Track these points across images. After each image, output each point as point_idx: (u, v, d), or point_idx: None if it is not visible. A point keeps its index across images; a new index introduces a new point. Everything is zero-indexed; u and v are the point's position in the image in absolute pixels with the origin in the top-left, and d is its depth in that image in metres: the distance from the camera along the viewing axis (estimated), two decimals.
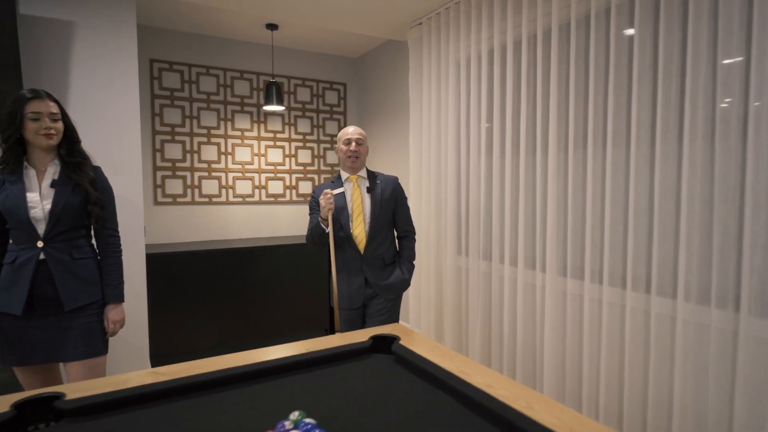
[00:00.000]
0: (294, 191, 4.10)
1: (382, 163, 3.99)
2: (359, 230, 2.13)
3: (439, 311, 3.08)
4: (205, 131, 3.71)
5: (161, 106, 3.54)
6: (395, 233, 2.33)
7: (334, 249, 2.18)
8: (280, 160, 4.03)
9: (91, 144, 2.62)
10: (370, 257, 2.14)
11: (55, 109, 1.56)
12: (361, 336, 1.45)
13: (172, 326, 3.19)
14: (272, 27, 3.48)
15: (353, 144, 2.14)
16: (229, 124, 3.81)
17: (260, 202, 3.96)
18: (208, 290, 3.28)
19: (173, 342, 3.20)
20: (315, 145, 4.19)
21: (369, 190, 2.18)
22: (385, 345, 1.40)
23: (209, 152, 3.74)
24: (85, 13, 2.56)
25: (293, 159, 4.09)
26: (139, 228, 2.74)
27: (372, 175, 2.23)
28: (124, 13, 2.65)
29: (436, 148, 3.00)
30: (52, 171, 1.56)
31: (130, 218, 2.72)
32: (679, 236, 1.69)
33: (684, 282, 1.67)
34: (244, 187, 3.89)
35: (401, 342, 1.38)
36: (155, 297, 3.13)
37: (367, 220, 2.15)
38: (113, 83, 2.65)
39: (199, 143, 3.70)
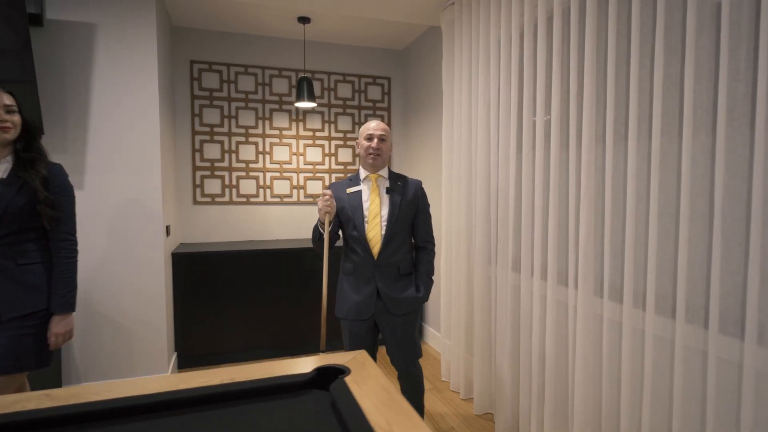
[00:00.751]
0: None
1: (424, 164, 3.71)
2: (374, 233, 1.94)
3: (469, 324, 2.75)
4: (243, 131, 3.70)
5: (201, 106, 3.58)
6: (412, 242, 2.09)
7: (345, 252, 2.03)
8: (319, 159, 3.92)
9: (111, 144, 2.66)
10: (384, 264, 1.95)
11: (9, 100, 1.50)
12: (331, 360, 1.23)
13: (203, 328, 3.19)
14: (304, 20, 3.36)
15: (375, 140, 1.95)
16: (267, 123, 3.77)
17: (298, 203, 3.87)
18: (241, 292, 3.25)
19: (203, 344, 3.20)
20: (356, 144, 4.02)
21: (389, 191, 1.97)
22: (331, 379, 1.16)
23: (247, 152, 3.72)
24: (106, 14, 2.60)
25: (333, 158, 3.96)
26: (158, 229, 2.74)
27: (394, 176, 2.04)
28: (143, 12, 2.66)
29: (467, 143, 2.67)
30: (2, 169, 1.50)
31: (149, 218, 2.73)
32: (748, 254, 1.25)
33: (756, 319, 1.22)
34: (282, 187, 3.83)
35: (348, 377, 1.14)
36: (186, 297, 3.15)
37: (384, 222, 1.95)
38: (132, 83, 2.68)
39: (237, 143, 3.69)
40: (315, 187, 3.91)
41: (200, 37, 3.57)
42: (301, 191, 3.88)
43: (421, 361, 3.28)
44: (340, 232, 2.06)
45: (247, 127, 3.72)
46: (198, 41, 3.56)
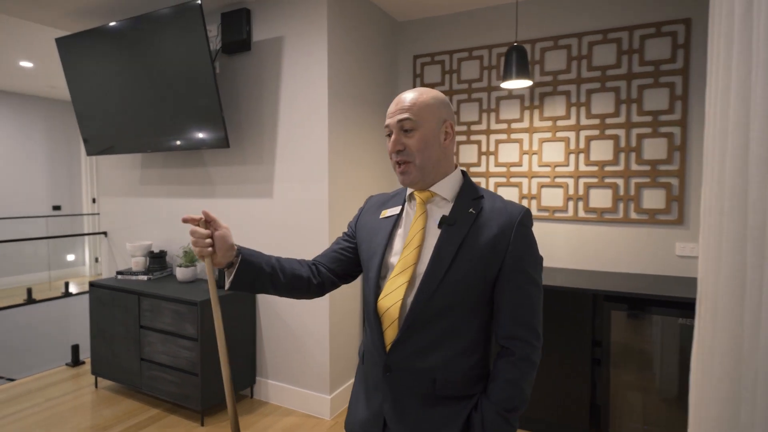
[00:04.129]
0: (581, 203, 2.76)
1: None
2: (392, 300, 1.01)
3: None
4: (464, 128, 3.08)
5: None
6: (489, 334, 1.06)
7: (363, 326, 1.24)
8: (561, 159, 2.80)
9: (291, 153, 2.69)
10: (400, 367, 1.01)
11: None
12: None
13: None
14: None
15: (395, 132, 1.03)
16: (492, 115, 2.99)
17: None
18: None
19: None
20: (621, 132, 2.65)
21: (443, 223, 1.03)
22: None
23: (468, 153, 3.08)
24: (289, 25, 2.63)
25: (581, 156, 2.75)
26: (323, 241, 2.58)
27: (466, 193, 1.06)
28: (315, 21, 2.54)
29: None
30: None
31: (314, 230, 2.61)
32: None
33: None
34: (508, 197, 2.96)
35: None
36: None
37: (418, 281, 1.00)
38: (307, 90, 2.60)
39: (458, 143, 3.10)
40: (553, 198, 2.83)
41: (422, 28, 3.19)
42: (534, 202, 2.89)
43: None
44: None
45: (468, 123, 3.07)
46: (420, 33, 3.20)
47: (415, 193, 1.07)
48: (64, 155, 7.14)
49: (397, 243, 1.06)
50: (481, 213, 1.02)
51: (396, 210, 1.11)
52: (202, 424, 2.55)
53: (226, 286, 1.05)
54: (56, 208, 7.13)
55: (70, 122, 7.07)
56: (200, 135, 2.70)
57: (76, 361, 3.43)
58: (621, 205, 2.65)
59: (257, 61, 2.75)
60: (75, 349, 3.46)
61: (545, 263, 2.82)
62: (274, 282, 1.08)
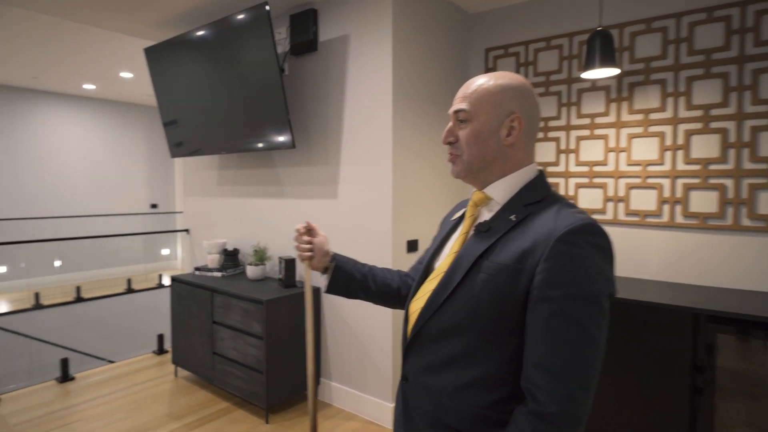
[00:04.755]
0: (678, 207, 2.42)
1: None
2: (418, 305, 0.95)
3: None
4: (541, 125, 2.85)
5: None
6: (510, 368, 0.86)
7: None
8: (654, 157, 2.48)
9: (356, 155, 2.64)
10: (413, 377, 0.95)
11: None
12: None
13: None
14: None
15: (452, 121, 0.93)
16: (572, 110, 2.73)
17: (615, 222, 2.61)
18: None
19: None
20: (730, 125, 2.28)
21: (480, 230, 0.90)
22: None
23: (545, 152, 2.84)
24: (355, 24, 2.58)
25: (680, 153, 2.41)
26: (386, 243, 2.51)
27: (519, 198, 0.90)
28: (381, 17, 2.47)
29: None
30: None
31: (378, 232, 2.55)
32: None
33: None
34: (591, 199, 2.69)
35: None
36: None
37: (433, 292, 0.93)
38: (371, 89, 2.54)
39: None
40: (645, 201, 2.52)
41: (495, 19, 3.00)
42: (620, 206, 2.59)
43: None
44: None
45: (545, 119, 2.84)
46: (493, 25, 3.01)
47: (473, 193, 0.95)
48: (161, 158, 7.78)
49: (447, 247, 0.99)
50: (524, 222, 0.85)
51: (461, 213, 1.02)
52: (267, 422, 2.59)
53: (324, 289, 1.14)
54: (153, 206, 7.80)
55: None
56: (268, 136, 2.74)
57: (161, 350, 3.68)
58: (730, 210, 2.28)
59: (323, 61, 2.74)
60: (160, 338, 3.70)
61: (632, 273, 2.52)
62: (364, 289, 1.13)
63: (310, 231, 1.13)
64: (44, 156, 6.48)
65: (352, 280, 1.12)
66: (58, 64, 4.98)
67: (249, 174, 3.25)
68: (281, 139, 2.68)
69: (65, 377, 3.16)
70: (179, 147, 3.36)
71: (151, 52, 3.26)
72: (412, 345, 0.94)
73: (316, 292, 2.82)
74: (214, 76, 2.91)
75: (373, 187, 2.56)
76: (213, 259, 3.22)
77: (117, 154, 7.25)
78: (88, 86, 6.12)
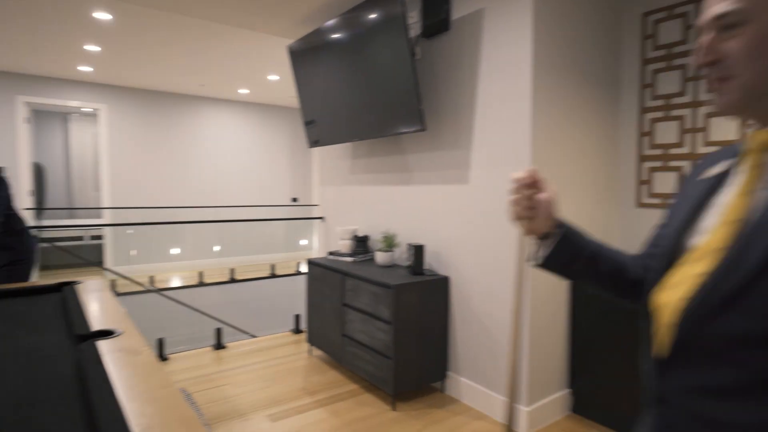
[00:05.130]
0: None
1: None
2: (674, 295, 0.65)
3: None
4: (661, 102, 2.37)
5: (654, 72, 2.60)
6: None
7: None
8: None
9: (488, 138, 2.49)
10: (678, 402, 0.63)
11: None
12: None
13: (601, 373, 2.41)
14: None
15: (708, 33, 0.63)
16: None
17: None
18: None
19: (601, 394, 2.42)
20: None
21: None
22: None
23: (724, 129, 2.36)
24: None
25: None
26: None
27: None
28: None
29: None
30: None
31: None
32: None
33: None
34: None
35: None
36: (582, 326, 2.48)
37: (718, 276, 0.60)
38: (507, 66, 2.35)
39: (705, 116, 2.41)
40: None
41: None
42: None
43: None
44: None
45: (669, 96, 2.35)
46: None
47: (754, 133, 0.64)
48: (301, 156, 8.43)
49: (710, 216, 0.67)
50: None
51: (723, 167, 0.70)
52: (394, 409, 2.58)
53: (537, 260, 0.88)
54: (294, 200, 8.49)
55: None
56: (399, 120, 2.72)
57: (297, 329, 3.93)
58: None
59: (455, 41, 2.62)
60: (296, 318, 3.96)
61: None
62: (592, 269, 0.85)
63: (534, 183, 0.85)
64: (204, 155, 7.45)
65: (579, 255, 0.85)
66: (221, 71, 5.66)
67: (379, 161, 3.29)
68: (411, 122, 2.64)
69: (219, 345, 3.55)
70: (314, 136, 3.54)
71: (292, 49, 3.49)
72: (678, 354, 0.64)
73: (444, 279, 2.73)
74: (348, 64, 2.99)
75: (508, 170, 2.37)
76: (345, 245, 3.32)
77: (263, 152, 8.04)
78: (243, 91, 6.87)
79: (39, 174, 7.64)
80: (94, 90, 6.45)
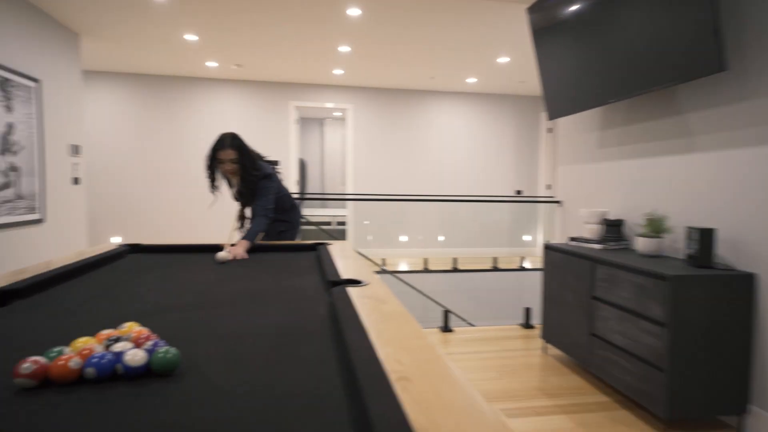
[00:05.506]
0: None
1: None
2: None
3: None
4: None
5: None
6: None
7: None
8: None
9: None
10: None
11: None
12: None
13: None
14: None
15: None
16: None
17: None
18: None
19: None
20: None
21: None
22: None
23: None
24: None
25: None
26: None
27: None
28: None
29: None
30: None
31: None
32: None
33: None
34: None
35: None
36: None
37: None
38: None
39: None
40: None
41: None
42: None
43: None
44: None
45: None
46: None
47: None
48: (528, 147, 7.93)
49: None
50: None
51: None
52: None
53: None
54: (518, 192, 8.05)
55: (534, 116, 7.80)
56: (678, 65, 2.09)
57: (527, 324, 3.57)
58: None
59: None
60: (527, 311, 3.60)
61: None
62: None
63: None
64: (435, 147, 7.66)
65: None
66: (450, 61, 5.68)
67: (640, 129, 2.66)
68: (700, 65, 1.99)
69: (446, 328, 3.47)
70: (556, 107, 3.11)
71: (533, 8, 3.14)
72: None
73: (747, 276, 1.99)
74: (604, 5, 2.48)
75: None
76: (592, 230, 2.81)
77: (488, 143, 7.84)
78: (471, 80, 6.79)
79: (302, 168, 9.20)
80: (343, 93, 7.34)
